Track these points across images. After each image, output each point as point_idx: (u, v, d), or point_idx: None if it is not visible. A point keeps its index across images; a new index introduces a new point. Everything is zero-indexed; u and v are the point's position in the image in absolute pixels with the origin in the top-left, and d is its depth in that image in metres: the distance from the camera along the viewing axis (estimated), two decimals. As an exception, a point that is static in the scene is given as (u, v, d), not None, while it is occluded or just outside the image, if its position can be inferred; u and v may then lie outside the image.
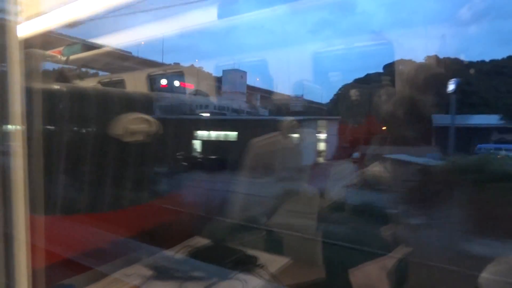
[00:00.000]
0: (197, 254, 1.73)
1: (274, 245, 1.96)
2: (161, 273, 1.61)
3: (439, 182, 1.69)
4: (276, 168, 2.30)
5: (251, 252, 1.76)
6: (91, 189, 2.20)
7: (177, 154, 3.09)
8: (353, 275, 1.55)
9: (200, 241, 1.92)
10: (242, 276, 1.57)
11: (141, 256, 1.77)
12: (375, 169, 1.80)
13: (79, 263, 1.62)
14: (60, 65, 3.35)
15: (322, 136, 6.43)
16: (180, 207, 2.60)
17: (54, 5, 1.06)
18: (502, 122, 6.32)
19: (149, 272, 1.60)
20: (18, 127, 1.05)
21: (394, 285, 1.46)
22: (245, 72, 10.55)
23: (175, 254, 1.76)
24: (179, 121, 3.59)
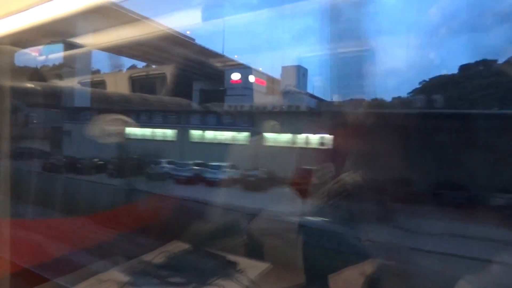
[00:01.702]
0: (176, 259, 1.69)
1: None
2: (137, 278, 1.56)
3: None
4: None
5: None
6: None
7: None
8: (332, 280, 1.54)
9: (179, 246, 1.87)
10: (221, 281, 1.54)
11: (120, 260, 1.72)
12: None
13: (55, 268, 1.56)
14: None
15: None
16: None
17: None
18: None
19: (125, 278, 1.55)
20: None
21: None
22: (306, 69, 9.73)
23: (153, 259, 1.71)
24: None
